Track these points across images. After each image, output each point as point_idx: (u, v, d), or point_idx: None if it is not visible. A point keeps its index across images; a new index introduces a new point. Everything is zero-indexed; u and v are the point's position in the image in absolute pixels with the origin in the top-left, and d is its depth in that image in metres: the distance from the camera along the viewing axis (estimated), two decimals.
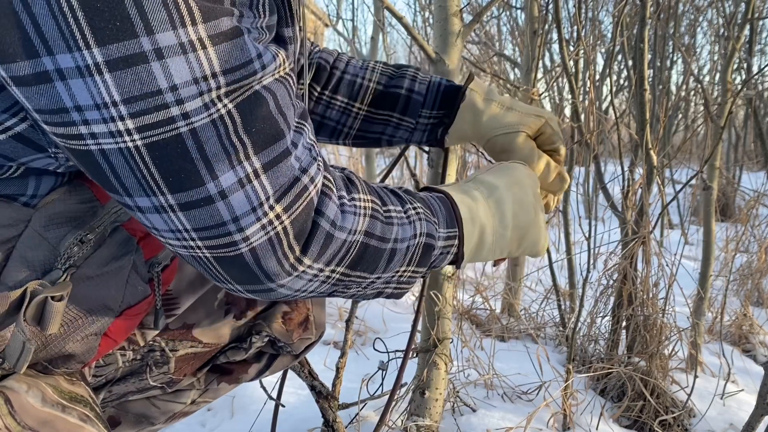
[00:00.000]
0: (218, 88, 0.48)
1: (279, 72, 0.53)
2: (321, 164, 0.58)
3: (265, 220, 0.52)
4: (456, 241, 0.72)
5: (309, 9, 6.66)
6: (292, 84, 0.56)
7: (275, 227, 0.53)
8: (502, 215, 0.75)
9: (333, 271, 0.59)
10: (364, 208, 0.61)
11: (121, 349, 0.74)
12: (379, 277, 0.65)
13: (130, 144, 0.47)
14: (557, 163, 0.92)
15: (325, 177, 0.58)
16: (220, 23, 0.47)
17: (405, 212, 0.66)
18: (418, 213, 0.67)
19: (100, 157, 0.48)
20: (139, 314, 0.67)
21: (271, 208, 0.52)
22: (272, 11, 0.55)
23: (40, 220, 0.57)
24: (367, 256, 0.62)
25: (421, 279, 0.74)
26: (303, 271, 0.57)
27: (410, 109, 0.93)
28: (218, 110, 0.48)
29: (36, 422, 0.55)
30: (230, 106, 0.49)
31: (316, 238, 0.56)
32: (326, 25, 6.92)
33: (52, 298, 0.55)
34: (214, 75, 0.47)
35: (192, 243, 0.53)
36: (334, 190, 0.59)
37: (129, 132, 0.46)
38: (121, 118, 0.46)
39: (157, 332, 0.76)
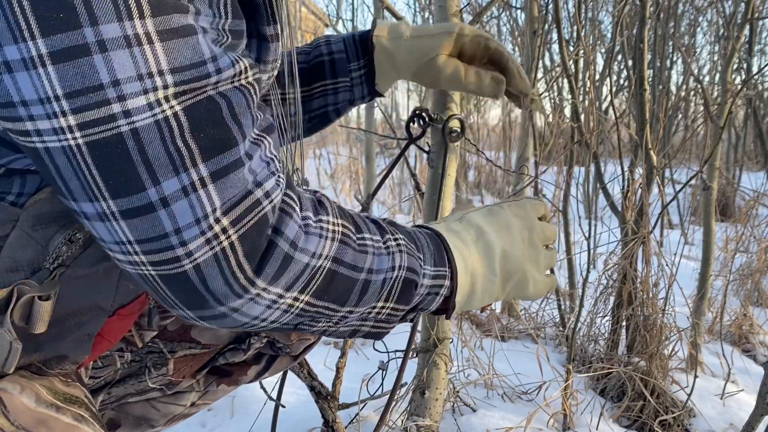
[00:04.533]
0: (165, 87, 0.46)
1: (240, 80, 0.51)
2: (281, 180, 0.55)
3: (209, 234, 0.49)
4: (447, 282, 0.67)
5: (309, 9, 6.66)
6: (253, 94, 0.53)
7: (221, 242, 0.50)
8: (491, 261, 0.71)
9: (296, 299, 0.55)
10: (333, 231, 0.57)
11: (119, 351, 0.74)
12: (351, 312, 0.60)
13: (72, 142, 0.45)
14: (504, 65, 0.93)
15: (286, 194, 0.55)
16: (170, 19, 0.45)
17: (384, 242, 0.62)
18: (399, 245, 0.63)
19: (46, 156, 0.47)
20: (133, 314, 0.66)
21: (217, 220, 0.49)
22: (236, 15, 0.52)
23: (28, 220, 0.56)
24: (336, 284, 0.57)
25: (410, 321, 0.69)
26: (257, 295, 0.52)
27: (339, 69, 0.93)
28: (163, 111, 0.46)
29: (30, 422, 0.55)
30: (177, 108, 0.47)
31: (272, 259, 0.52)
32: (326, 25, 6.92)
33: (39, 297, 0.54)
34: (160, 72, 0.45)
35: (137, 258, 0.50)
36: (297, 210, 0.55)
37: (71, 129, 0.45)
38: (63, 114, 0.44)
39: (155, 333, 0.76)
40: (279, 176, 0.54)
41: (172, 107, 0.46)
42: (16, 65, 0.43)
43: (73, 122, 0.44)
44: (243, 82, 0.51)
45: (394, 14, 1.29)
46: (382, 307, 0.63)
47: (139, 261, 0.50)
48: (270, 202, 0.52)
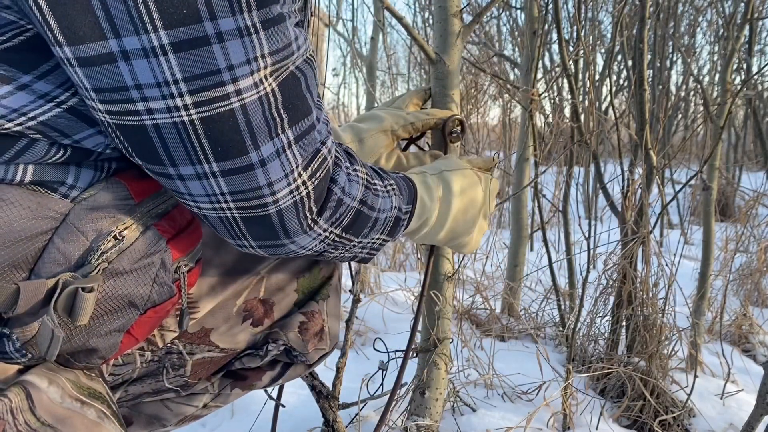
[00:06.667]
0: (266, 67, 0.54)
1: (307, 54, 0.59)
2: (332, 137, 0.65)
3: (293, 185, 0.60)
4: (408, 216, 0.82)
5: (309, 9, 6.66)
6: (315, 64, 0.62)
7: (300, 192, 0.61)
8: (444, 219, 0.87)
9: (331, 232, 0.67)
10: (362, 178, 0.70)
11: (140, 350, 0.75)
12: (360, 242, 0.73)
13: (186, 118, 0.52)
14: (437, 126, 1.05)
15: (335, 149, 0.65)
16: (270, 10, 0.52)
17: (385, 187, 0.75)
18: (393, 189, 0.77)
19: (153, 131, 0.53)
20: (162, 314, 0.67)
21: (299, 175, 0.60)
22: None
23: (78, 214, 0.58)
24: (359, 221, 0.70)
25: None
26: (314, 230, 0.65)
27: None
28: (265, 88, 0.54)
29: (54, 419, 0.56)
30: (274, 84, 0.55)
31: (330, 202, 0.64)
32: (326, 25, 6.93)
33: (83, 289, 0.56)
34: (263, 56, 0.53)
35: (224, 205, 0.59)
36: (343, 161, 0.67)
37: (186, 107, 0.52)
38: (180, 95, 0.51)
39: (176, 335, 0.76)
40: (330, 133, 0.65)
41: (270, 84, 0.55)
42: (134, 54, 0.49)
43: (190, 101, 0.52)
44: (308, 54, 0.59)
45: (394, 14, 1.29)
46: (378, 238, 0.77)
47: (225, 207, 0.59)
48: (331, 157, 0.64)
